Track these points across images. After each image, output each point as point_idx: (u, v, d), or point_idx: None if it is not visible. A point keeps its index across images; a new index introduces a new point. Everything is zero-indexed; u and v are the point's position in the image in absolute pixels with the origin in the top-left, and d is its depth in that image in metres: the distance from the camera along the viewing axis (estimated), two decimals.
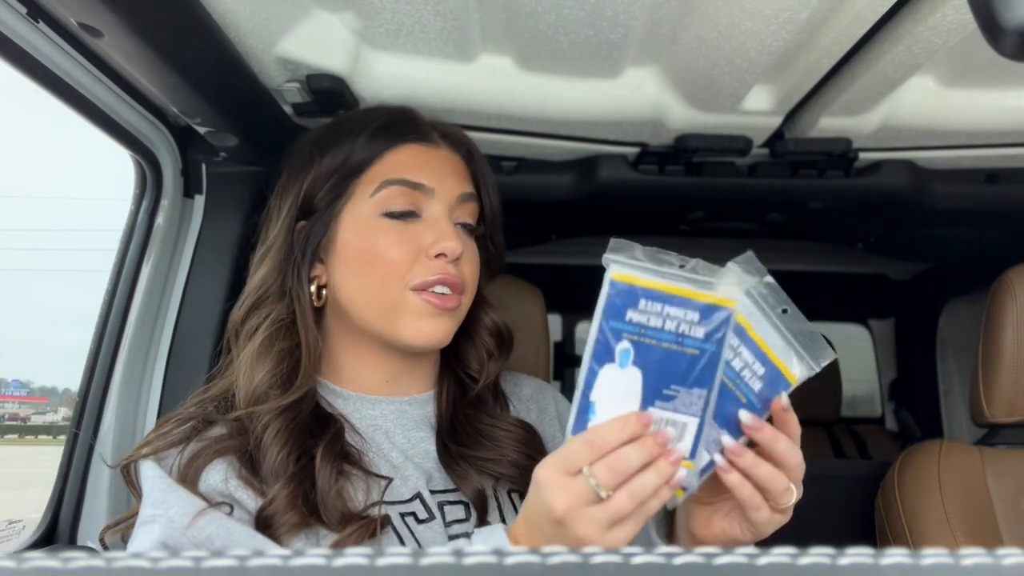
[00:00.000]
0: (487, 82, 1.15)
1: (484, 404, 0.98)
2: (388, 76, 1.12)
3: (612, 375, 0.68)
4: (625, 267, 0.69)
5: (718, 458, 0.71)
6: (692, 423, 0.68)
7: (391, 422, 0.93)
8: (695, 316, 0.67)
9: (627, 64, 1.12)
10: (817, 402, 2.49)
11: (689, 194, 1.51)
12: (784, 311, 0.72)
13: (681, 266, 0.69)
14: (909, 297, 2.54)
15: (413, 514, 0.87)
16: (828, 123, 1.23)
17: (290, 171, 0.97)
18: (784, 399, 0.72)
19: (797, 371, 0.71)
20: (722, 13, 0.94)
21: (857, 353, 2.81)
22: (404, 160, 0.93)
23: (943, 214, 1.56)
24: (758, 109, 1.19)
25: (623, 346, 0.68)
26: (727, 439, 0.71)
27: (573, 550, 0.28)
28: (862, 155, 1.36)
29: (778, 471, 0.70)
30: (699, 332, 0.68)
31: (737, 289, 0.69)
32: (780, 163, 1.39)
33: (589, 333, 0.69)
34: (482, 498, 0.90)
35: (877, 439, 2.59)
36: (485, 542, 0.74)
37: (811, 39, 0.99)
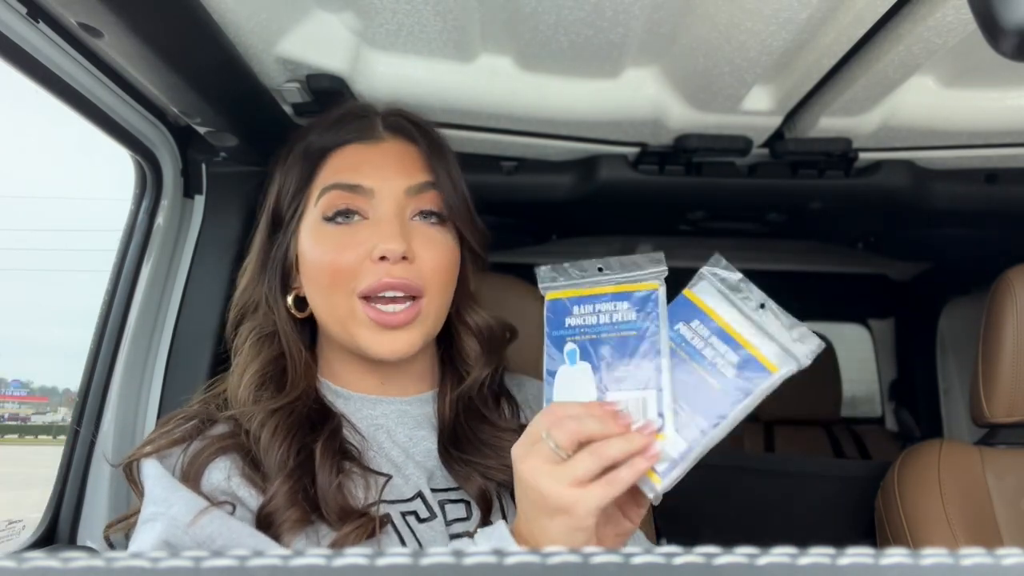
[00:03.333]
0: (487, 82, 1.15)
1: (486, 409, 0.97)
2: (388, 76, 1.12)
3: (566, 373, 0.76)
4: (554, 287, 0.80)
5: (695, 444, 0.72)
6: (651, 395, 0.72)
7: (392, 421, 0.94)
8: (624, 304, 0.75)
9: (627, 64, 1.12)
10: (817, 402, 2.50)
11: (689, 194, 1.51)
12: (762, 306, 0.74)
13: (600, 268, 0.78)
14: (909, 297, 2.54)
15: (414, 513, 0.87)
16: (828, 123, 1.23)
17: (267, 186, 0.99)
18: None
19: (776, 361, 0.72)
20: (722, 13, 0.94)
21: (857, 353, 2.81)
22: (342, 163, 0.91)
23: (943, 214, 1.56)
24: (758, 109, 1.19)
25: (568, 347, 0.77)
26: (703, 423, 0.71)
27: (573, 550, 0.28)
28: (862, 155, 1.36)
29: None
30: (632, 315, 0.75)
31: (654, 271, 0.76)
32: (780, 163, 1.39)
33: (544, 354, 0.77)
34: (485, 497, 0.90)
35: (877, 439, 2.59)
36: (488, 540, 0.74)
37: (811, 39, 0.99)
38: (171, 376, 1.24)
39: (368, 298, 0.86)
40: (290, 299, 0.93)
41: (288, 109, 1.18)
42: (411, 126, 0.96)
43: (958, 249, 2.04)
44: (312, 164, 0.92)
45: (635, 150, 1.37)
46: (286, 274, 0.94)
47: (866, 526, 1.50)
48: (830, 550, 0.28)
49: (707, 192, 1.49)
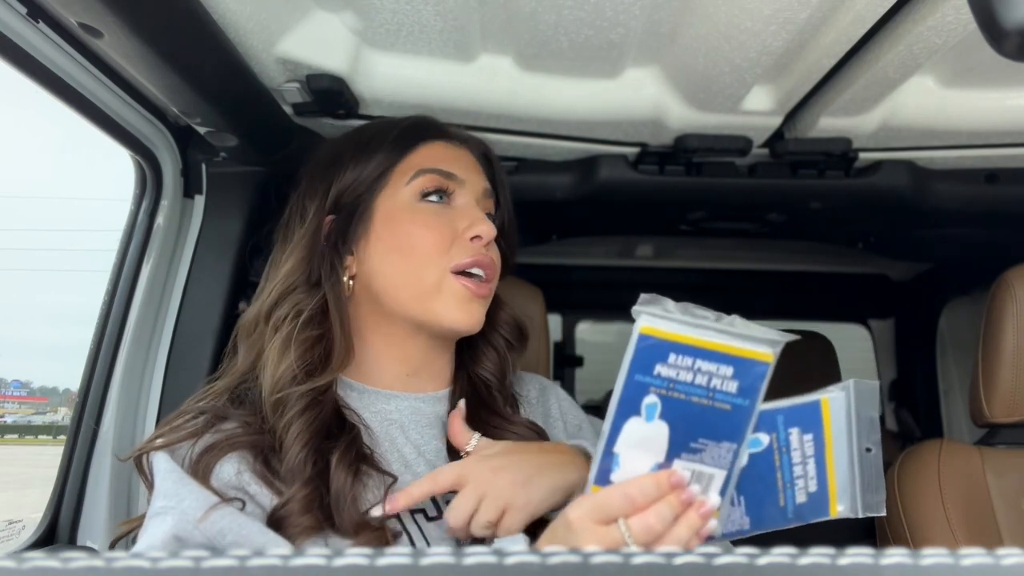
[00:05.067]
0: (487, 82, 1.15)
1: (495, 406, 0.99)
2: (388, 76, 1.12)
3: (637, 428, 0.66)
4: (655, 320, 0.65)
5: (729, 536, 0.72)
6: (719, 475, 0.67)
7: (406, 417, 0.94)
8: (729, 370, 0.65)
9: (627, 64, 1.12)
10: None
11: (689, 194, 1.51)
12: (868, 450, 0.71)
13: (716, 319, 0.67)
14: (909, 297, 2.54)
15: (423, 511, 0.87)
16: (828, 123, 1.23)
17: (315, 173, 1.00)
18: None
19: (841, 507, 0.71)
20: (722, 13, 0.94)
21: (857, 353, 2.81)
22: (436, 153, 0.99)
23: (943, 214, 1.56)
24: (758, 109, 1.19)
25: (650, 400, 0.66)
26: (747, 526, 0.71)
27: (573, 550, 0.28)
28: (862, 155, 1.36)
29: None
30: (732, 387, 0.65)
31: (771, 340, 0.66)
32: (780, 163, 1.39)
33: (616, 384, 0.67)
34: None
35: None
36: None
37: (811, 39, 0.99)
38: (171, 376, 1.24)
39: (460, 273, 0.93)
40: (345, 277, 0.95)
41: (288, 109, 1.18)
42: (485, 147, 1.06)
43: (958, 249, 2.04)
44: (401, 150, 0.98)
45: (635, 150, 1.37)
46: (342, 255, 0.96)
47: (866, 526, 1.49)
48: (830, 550, 0.28)
49: (707, 192, 1.49)
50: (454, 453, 0.92)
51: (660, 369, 0.65)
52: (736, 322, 0.67)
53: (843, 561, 0.28)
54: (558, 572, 0.27)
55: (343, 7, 1.00)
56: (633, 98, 1.18)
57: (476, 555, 0.27)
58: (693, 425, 0.66)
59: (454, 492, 0.90)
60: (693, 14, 0.96)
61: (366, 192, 0.96)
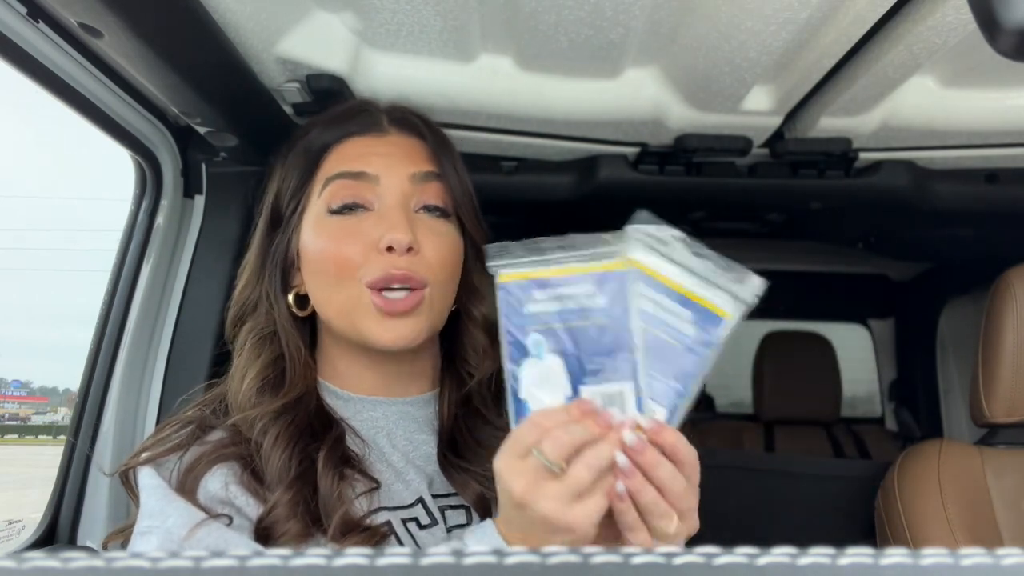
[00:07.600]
0: (487, 82, 1.15)
1: (485, 409, 0.96)
2: (388, 76, 1.12)
3: (533, 368, 0.69)
4: (509, 268, 0.71)
5: (676, 408, 0.71)
6: (628, 387, 0.68)
7: (393, 423, 0.92)
8: (591, 288, 0.69)
9: (627, 64, 1.12)
10: (817, 402, 2.50)
11: (689, 194, 1.51)
12: (696, 254, 0.72)
13: (560, 248, 0.71)
14: (909, 297, 2.54)
15: (415, 519, 0.86)
16: (828, 123, 1.23)
17: (266, 183, 0.98)
18: (660, 425, 0.68)
19: (723, 303, 0.70)
20: (722, 13, 0.94)
21: (857, 353, 2.81)
22: (346, 154, 0.91)
23: (943, 214, 1.56)
24: (758, 109, 1.19)
25: (534, 338, 0.69)
26: (677, 386, 0.70)
27: (573, 550, 0.28)
28: (862, 155, 1.36)
29: (658, 496, 0.67)
30: (601, 301, 0.69)
31: (627, 247, 0.69)
32: (780, 163, 1.39)
33: (500, 338, 0.70)
34: (484, 503, 0.89)
35: (877, 439, 2.60)
36: (480, 541, 0.73)
37: (811, 39, 0.99)
38: (171, 376, 1.24)
39: (374, 288, 0.86)
40: (290, 297, 0.92)
41: (288, 109, 1.18)
42: (416, 120, 0.95)
43: (958, 249, 2.04)
44: (315, 157, 0.92)
45: (635, 150, 1.37)
46: (286, 271, 0.93)
47: (866, 526, 1.50)
48: (830, 550, 0.28)
49: (707, 192, 1.49)
50: (442, 457, 0.91)
51: (531, 308, 0.70)
52: (577, 241, 0.70)
53: (843, 561, 0.28)
54: (558, 572, 0.27)
55: (343, 7, 1.00)
56: (633, 98, 1.18)
57: (476, 555, 0.27)
58: (581, 348, 0.69)
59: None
60: (693, 14, 0.96)
61: (293, 208, 0.92)
